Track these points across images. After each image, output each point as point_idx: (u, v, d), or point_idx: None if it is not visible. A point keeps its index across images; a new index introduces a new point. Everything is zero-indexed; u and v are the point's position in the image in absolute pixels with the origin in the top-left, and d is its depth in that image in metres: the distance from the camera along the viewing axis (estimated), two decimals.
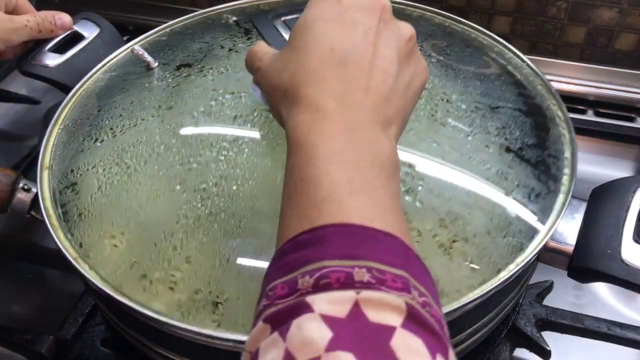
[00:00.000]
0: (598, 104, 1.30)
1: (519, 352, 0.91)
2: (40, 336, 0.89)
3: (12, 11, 1.03)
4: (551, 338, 0.88)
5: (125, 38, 1.14)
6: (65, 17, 1.05)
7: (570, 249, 0.76)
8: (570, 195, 0.77)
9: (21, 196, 0.93)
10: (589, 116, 1.29)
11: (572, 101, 1.30)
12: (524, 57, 0.99)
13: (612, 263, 0.73)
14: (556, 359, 0.87)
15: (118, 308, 0.70)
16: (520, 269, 0.70)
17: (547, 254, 0.76)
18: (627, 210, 0.77)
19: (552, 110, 0.93)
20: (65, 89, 1.04)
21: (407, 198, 0.93)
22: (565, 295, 1.00)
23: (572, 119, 1.32)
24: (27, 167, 1.16)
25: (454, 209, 0.91)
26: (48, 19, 1.02)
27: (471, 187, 0.94)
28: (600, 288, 1.02)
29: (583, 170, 1.25)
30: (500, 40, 1.03)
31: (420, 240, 0.88)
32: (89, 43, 1.07)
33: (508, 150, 0.99)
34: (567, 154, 0.85)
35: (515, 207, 0.92)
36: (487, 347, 0.86)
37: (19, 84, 1.41)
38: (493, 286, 0.69)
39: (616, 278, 0.72)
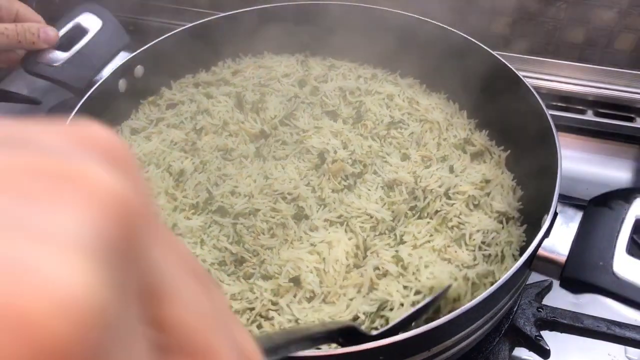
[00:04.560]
0: (598, 104, 1.30)
1: (519, 351, 0.91)
2: None
3: (12, 21, 1.00)
4: (550, 337, 0.88)
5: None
6: (50, 32, 1.01)
7: (562, 258, 0.74)
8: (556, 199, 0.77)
9: None
10: (589, 116, 1.29)
11: (572, 101, 1.31)
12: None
13: (604, 275, 0.71)
14: (555, 358, 0.88)
15: None
16: (508, 277, 0.69)
17: (540, 263, 0.75)
18: (621, 223, 0.75)
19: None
20: (71, 88, 1.04)
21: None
22: (565, 294, 0.99)
23: (572, 118, 1.34)
24: None
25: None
26: (31, 30, 0.98)
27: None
28: None
29: (582, 170, 1.25)
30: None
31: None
32: (92, 38, 1.06)
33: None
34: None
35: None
36: (486, 347, 0.86)
37: (19, 84, 1.41)
38: (484, 294, 0.68)
39: (607, 291, 0.70)
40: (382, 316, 0.77)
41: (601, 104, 1.30)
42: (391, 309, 0.77)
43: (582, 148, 1.26)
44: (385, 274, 0.82)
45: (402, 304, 0.77)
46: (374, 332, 0.69)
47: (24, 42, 0.99)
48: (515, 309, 0.90)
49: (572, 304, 0.98)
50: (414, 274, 0.81)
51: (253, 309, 0.80)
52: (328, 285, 0.81)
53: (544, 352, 0.87)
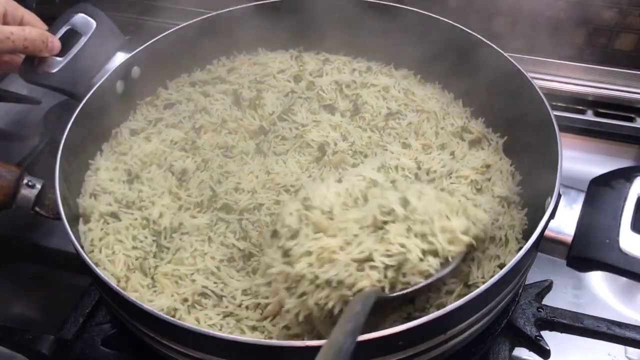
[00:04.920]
0: (598, 104, 1.30)
1: (519, 351, 0.91)
2: (41, 336, 0.89)
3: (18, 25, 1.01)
4: (550, 337, 0.88)
5: (127, 38, 1.13)
6: (56, 42, 1.02)
7: (569, 239, 0.76)
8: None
9: (25, 192, 0.94)
10: (589, 116, 1.29)
11: (572, 101, 1.31)
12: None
13: (611, 252, 0.74)
14: (555, 358, 0.88)
15: (125, 303, 0.71)
16: (519, 259, 0.71)
17: (547, 244, 0.77)
18: (624, 200, 0.78)
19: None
20: (69, 94, 1.04)
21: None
22: (565, 294, 1.00)
23: (572, 118, 1.34)
24: (28, 167, 1.15)
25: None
26: (41, 38, 0.99)
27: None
28: (600, 287, 1.02)
29: (583, 169, 1.24)
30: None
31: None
32: (87, 41, 1.06)
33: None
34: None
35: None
36: (486, 346, 0.86)
37: (19, 84, 1.41)
38: (495, 277, 0.69)
39: (615, 267, 0.73)
40: (403, 280, 0.72)
41: (601, 104, 1.30)
42: (412, 272, 0.72)
43: (582, 148, 1.26)
44: (390, 213, 0.75)
45: (423, 271, 0.72)
46: (392, 294, 0.69)
47: (31, 48, 0.99)
48: (517, 298, 0.90)
49: (572, 304, 0.98)
50: (427, 224, 0.74)
51: (259, 303, 0.80)
52: (316, 220, 0.75)
53: (544, 352, 0.87)
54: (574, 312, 0.90)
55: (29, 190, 0.94)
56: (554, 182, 0.78)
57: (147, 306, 0.69)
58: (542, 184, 0.82)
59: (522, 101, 0.94)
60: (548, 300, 0.93)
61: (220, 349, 0.68)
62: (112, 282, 0.74)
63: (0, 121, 1.38)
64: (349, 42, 1.17)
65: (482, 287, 0.68)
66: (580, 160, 1.23)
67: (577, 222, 0.77)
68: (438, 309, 0.70)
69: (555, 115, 0.88)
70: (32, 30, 0.99)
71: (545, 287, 0.94)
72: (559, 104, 1.30)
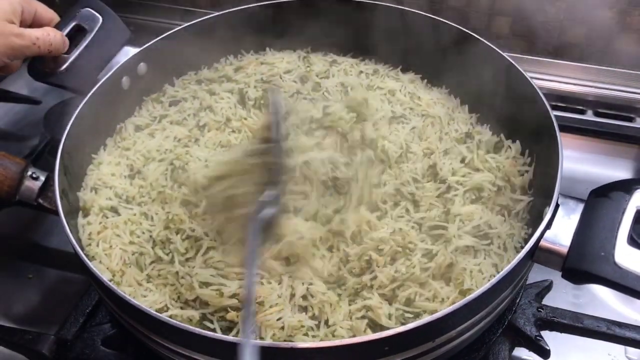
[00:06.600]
0: (598, 104, 1.30)
1: (519, 351, 0.91)
2: (40, 336, 0.89)
3: (32, 22, 1.02)
4: (551, 337, 0.88)
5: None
6: (66, 40, 1.04)
7: (564, 250, 0.75)
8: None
9: (29, 184, 0.95)
10: (589, 116, 1.29)
11: (572, 101, 1.31)
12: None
13: (605, 266, 0.73)
14: (555, 358, 0.88)
15: (115, 297, 0.71)
16: (511, 268, 0.71)
17: (542, 255, 0.76)
18: (623, 213, 0.77)
19: None
20: (77, 91, 1.04)
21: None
22: (565, 294, 1.00)
23: (572, 118, 1.34)
24: None
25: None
26: (62, 40, 1.02)
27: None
28: (600, 287, 1.02)
29: (582, 170, 1.25)
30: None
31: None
32: (93, 37, 1.06)
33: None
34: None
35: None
36: (486, 346, 0.86)
37: (19, 84, 1.41)
38: (487, 285, 0.69)
39: (609, 281, 0.72)
40: None
41: (601, 104, 1.30)
42: None
43: (582, 148, 1.26)
44: None
45: None
46: None
47: (54, 51, 1.01)
48: (514, 307, 0.90)
49: (572, 304, 0.98)
50: None
51: None
52: None
53: (544, 352, 0.87)
54: (574, 312, 0.90)
55: (33, 182, 0.95)
56: (553, 191, 0.77)
57: (134, 301, 0.69)
58: (543, 192, 0.82)
59: (526, 109, 0.94)
60: (548, 300, 0.93)
61: (207, 347, 0.68)
62: (106, 276, 0.74)
63: (0, 121, 1.38)
64: (357, 45, 1.17)
65: (472, 295, 0.68)
66: (579, 160, 1.23)
67: (574, 233, 0.76)
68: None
69: (555, 115, 0.88)
70: (55, 33, 1.01)
71: (545, 287, 0.94)
72: (559, 104, 1.30)
